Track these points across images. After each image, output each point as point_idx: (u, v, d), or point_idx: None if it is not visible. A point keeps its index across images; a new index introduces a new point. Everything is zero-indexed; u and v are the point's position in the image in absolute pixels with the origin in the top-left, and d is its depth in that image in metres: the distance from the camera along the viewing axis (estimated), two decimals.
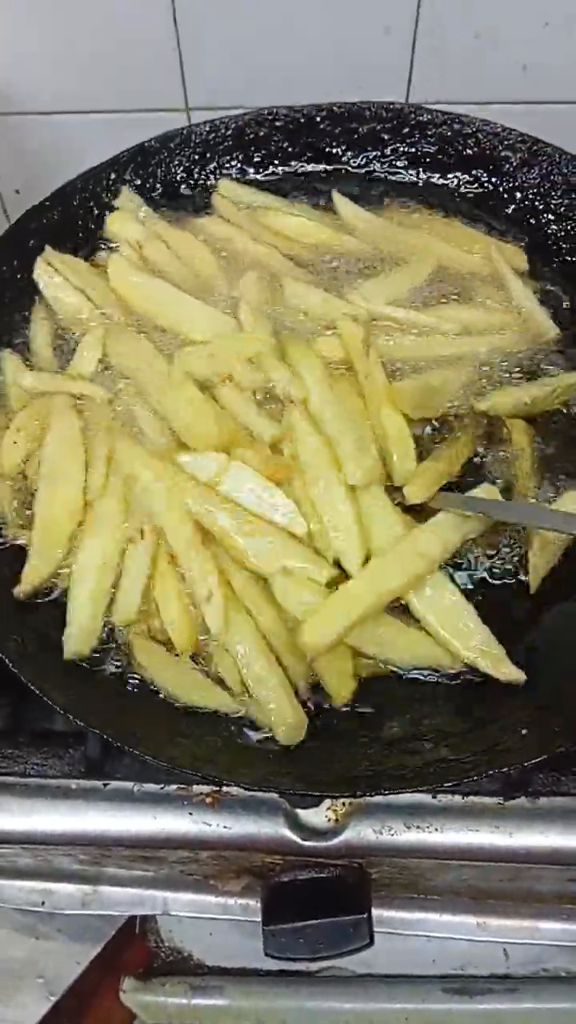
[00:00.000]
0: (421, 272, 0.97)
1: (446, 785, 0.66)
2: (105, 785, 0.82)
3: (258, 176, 1.09)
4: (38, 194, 1.02)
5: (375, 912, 0.84)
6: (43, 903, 0.95)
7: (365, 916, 0.81)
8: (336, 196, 1.04)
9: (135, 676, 0.78)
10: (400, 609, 0.79)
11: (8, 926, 1.18)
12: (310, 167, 1.10)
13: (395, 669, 0.77)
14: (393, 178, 1.09)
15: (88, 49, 1.21)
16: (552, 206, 1.02)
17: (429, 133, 1.06)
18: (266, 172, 1.10)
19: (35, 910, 0.95)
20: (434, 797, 0.81)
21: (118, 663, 0.78)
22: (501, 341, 0.92)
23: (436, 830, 0.80)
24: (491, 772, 0.67)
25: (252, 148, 1.09)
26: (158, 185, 1.07)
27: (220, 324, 0.90)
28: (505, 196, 1.05)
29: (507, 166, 1.05)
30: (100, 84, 1.26)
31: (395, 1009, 0.90)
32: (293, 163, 1.10)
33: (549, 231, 1.02)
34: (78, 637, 0.77)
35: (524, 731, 0.70)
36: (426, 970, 0.94)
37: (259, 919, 0.83)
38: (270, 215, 1.01)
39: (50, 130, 1.31)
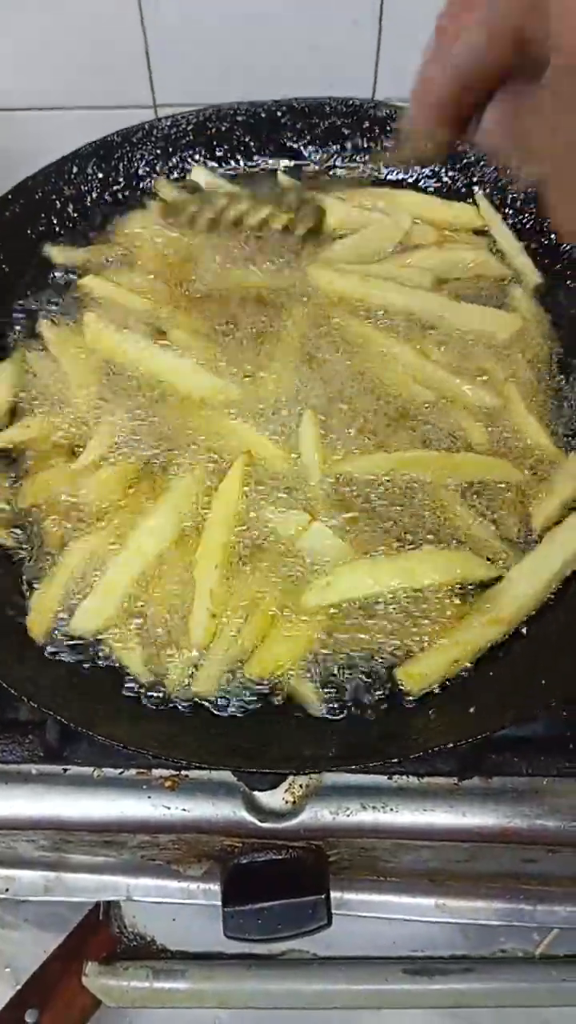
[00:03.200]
0: (397, 228, 0.98)
1: (394, 761, 0.67)
2: (65, 770, 0.83)
3: (220, 169, 1.10)
4: (3, 190, 1.02)
5: (335, 894, 0.85)
6: (7, 890, 0.96)
7: (323, 897, 0.82)
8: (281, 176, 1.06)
9: (91, 661, 0.78)
10: None
11: None
12: (272, 162, 1.11)
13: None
14: (354, 174, 1.10)
15: (56, 47, 1.22)
16: (509, 200, 1.04)
17: (388, 128, 1.08)
18: (228, 167, 1.11)
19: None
20: (390, 778, 0.82)
21: (76, 650, 0.79)
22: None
23: (392, 810, 0.81)
24: (438, 748, 0.68)
25: (214, 143, 1.10)
26: (120, 179, 1.07)
27: (202, 377, 0.88)
28: (463, 190, 1.07)
29: (465, 160, 1.06)
30: (68, 81, 1.27)
31: (356, 990, 0.91)
32: (256, 158, 1.11)
33: (508, 223, 1.04)
34: (94, 614, 0.78)
35: (472, 709, 0.72)
36: (387, 951, 0.96)
37: (220, 903, 0.84)
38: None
39: (18, 127, 1.32)
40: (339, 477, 0.83)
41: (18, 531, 0.85)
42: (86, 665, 0.77)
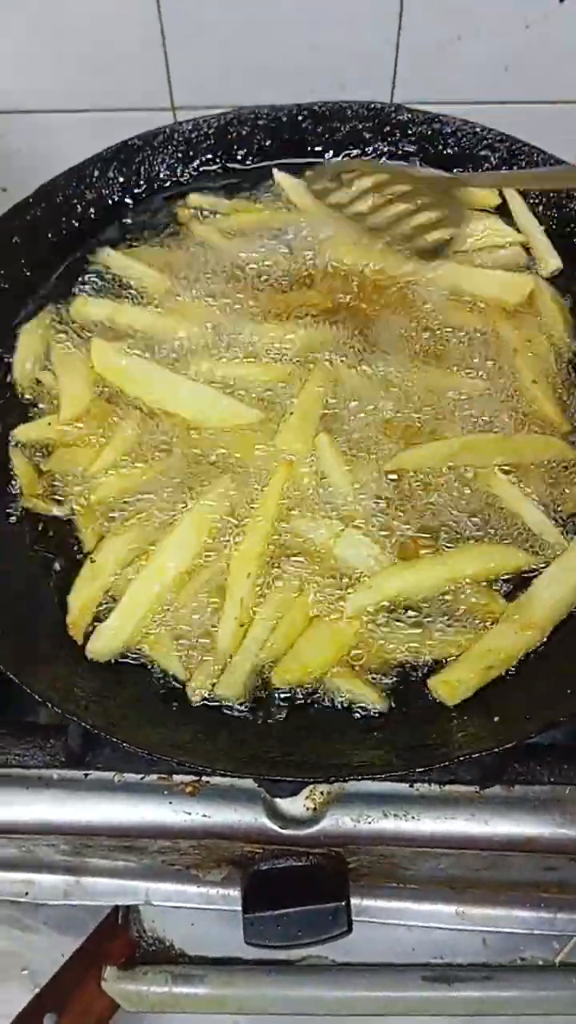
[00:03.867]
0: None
1: (418, 771, 0.67)
2: (86, 775, 0.83)
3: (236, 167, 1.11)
4: (25, 193, 1.03)
5: (355, 901, 0.85)
6: (27, 893, 0.96)
7: (343, 904, 0.82)
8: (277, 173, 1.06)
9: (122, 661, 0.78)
10: None
11: None
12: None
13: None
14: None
15: (76, 50, 1.23)
16: (529, 204, 1.04)
17: (410, 132, 1.08)
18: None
19: (19, 900, 0.96)
20: (411, 786, 0.82)
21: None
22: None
23: (413, 818, 0.81)
24: (463, 757, 0.67)
25: (235, 147, 1.10)
26: (141, 182, 1.07)
27: (204, 398, 0.88)
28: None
29: (486, 165, 1.06)
30: (88, 84, 1.27)
31: (375, 997, 0.91)
32: (275, 162, 1.11)
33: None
34: (112, 638, 0.77)
35: (496, 718, 0.71)
36: (406, 959, 0.95)
37: (239, 909, 0.84)
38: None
39: (37, 129, 1.32)
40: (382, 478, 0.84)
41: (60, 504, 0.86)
42: (110, 671, 0.78)
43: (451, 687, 0.74)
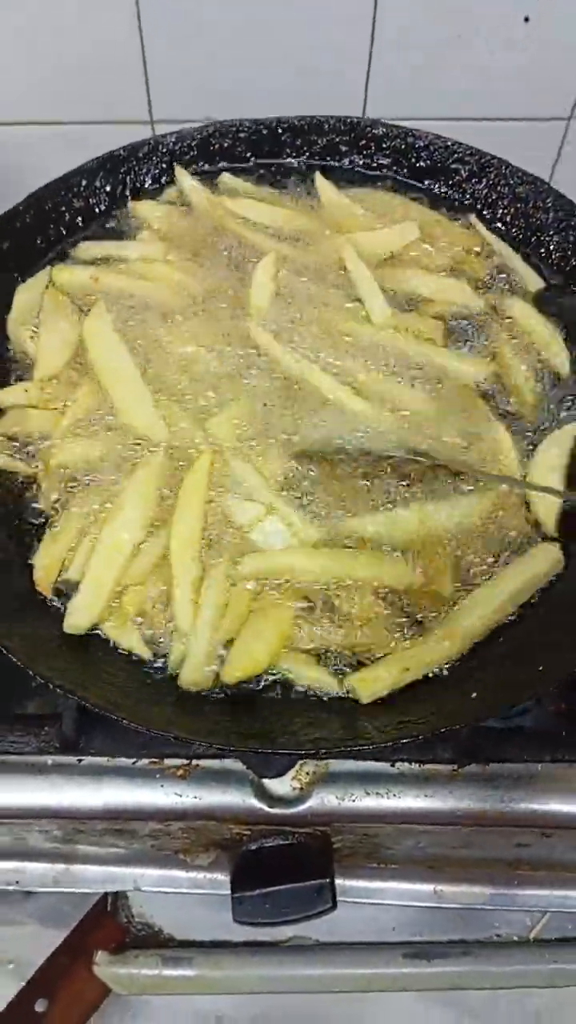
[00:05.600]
0: (407, 233, 1.03)
1: (402, 742, 0.71)
2: (79, 760, 0.86)
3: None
4: (4, 203, 1.05)
5: (338, 882, 0.88)
6: (16, 882, 0.98)
7: (328, 880, 0.86)
8: (319, 178, 1.10)
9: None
10: None
11: None
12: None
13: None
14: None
15: (55, 62, 1.26)
16: (499, 214, 1.09)
17: (384, 146, 1.13)
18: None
19: (8, 889, 0.98)
20: (392, 765, 0.86)
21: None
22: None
23: (394, 795, 0.85)
24: (443, 730, 0.71)
25: (217, 158, 1.14)
26: (127, 192, 1.11)
27: (151, 423, 0.90)
28: (456, 205, 1.12)
29: (457, 177, 1.11)
30: (65, 96, 1.30)
31: (358, 974, 0.94)
32: (255, 173, 1.15)
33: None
34: (86, 610, 0.80)
35: (474, 695, 0.75)
36: (387, 937, 0.99)
37: (227, 892, 0.87)
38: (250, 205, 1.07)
39: (13, 141, 1.35)
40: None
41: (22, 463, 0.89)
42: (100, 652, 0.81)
43: (367, 684, 0.77)
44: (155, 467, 0.87)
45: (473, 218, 1.08)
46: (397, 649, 0.80)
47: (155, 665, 0.80)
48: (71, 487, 0.87)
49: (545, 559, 0.84)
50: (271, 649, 0.79)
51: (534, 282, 1.03)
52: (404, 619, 0.81)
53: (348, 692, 0.78)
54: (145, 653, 0.80)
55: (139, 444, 0.89)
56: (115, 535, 0.83)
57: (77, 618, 0.80)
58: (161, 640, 0.81)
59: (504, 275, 1.04)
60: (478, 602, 0.82)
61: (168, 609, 0.82)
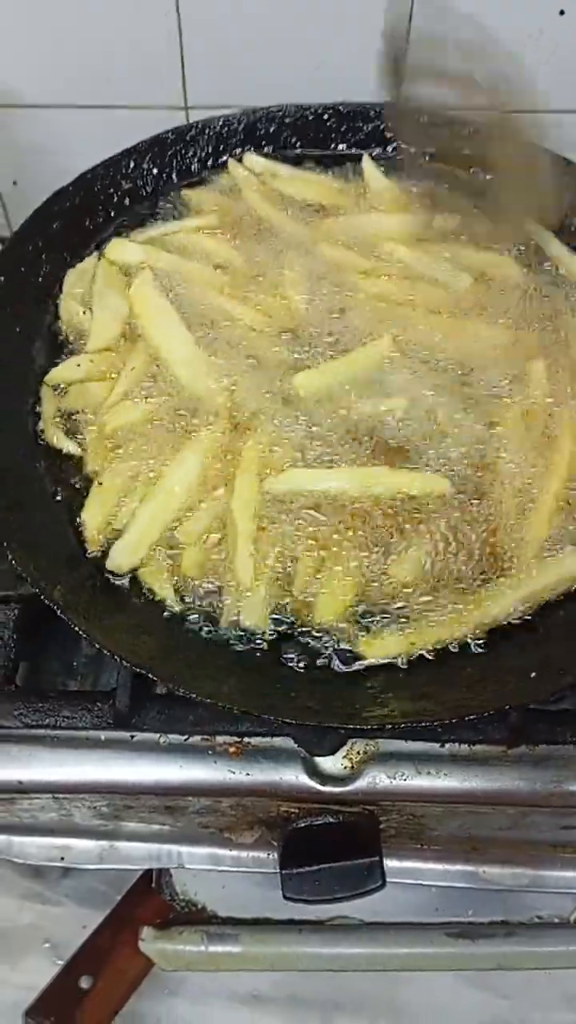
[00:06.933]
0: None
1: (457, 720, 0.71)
2: (132, 737, 0.86)
3: None
4: (35, 186, 1.07)
5: (384, 863, 0.89)
6: (62, 858, 0.99)
7: (377, 859, 0.87)
8: (366, 161, 1.10)
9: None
10: None
11: (15, 893, 1.21)
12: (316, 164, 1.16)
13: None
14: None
15: (89, 47, 1.26)
16: None
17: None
18: None
19: (53, 864, 0.99)
20: (442, 746, 0.86)
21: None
22: None
23: (445, 775, 0.86)
24: (496, 710, 0.72)
25: (263, 143, 1.15)
26: (173, 175, 1.12)
27: (198, 366, 0.93)
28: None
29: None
30: (98, 80, 1.30)
31: (401, 953, 0.95)
32: (301, 159, 1.16)
33: None
34: (129, 549, 0.83)
35: (533, 674, 0.76)
36: (429, 918, 1.00)
37: (271, 870, 0.88)
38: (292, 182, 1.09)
39: (47, 125, 1.35)
40: None
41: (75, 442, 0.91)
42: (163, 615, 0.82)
43: (371, 647, 0.80)
44: (211, 431, 0.88)
45: None
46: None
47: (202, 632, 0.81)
48: (118, 451, 0.89)
49: None
50: (351, 588, 0.82)
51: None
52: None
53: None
54: (176, 604, 0.82)
55: (191, 408, 0.90)
56: (167, 487, 0.85)
57: (120, 558, 0.83)
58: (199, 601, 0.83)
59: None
60: (508, 587, 0.82)
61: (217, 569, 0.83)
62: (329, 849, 0.87)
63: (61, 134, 1.34)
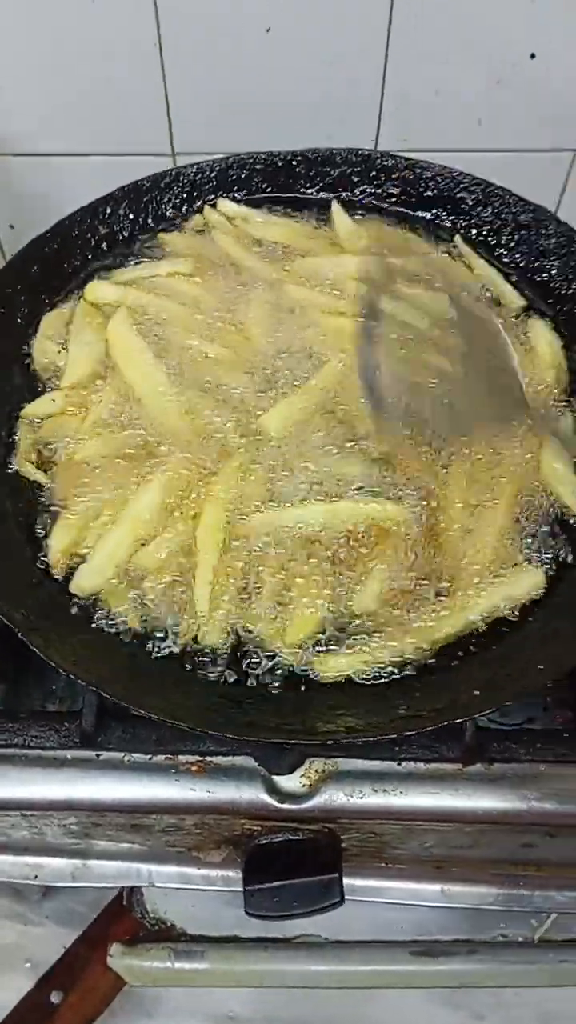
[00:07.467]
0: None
1: (407, 733, 0.74)
2: (98, 756, 0.89)
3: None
4: (32, 230, 1.12)
5: (347, 881, 0.91)
6: (35, 876, 1.02)
7: (336, 875, 0.89)
8: (335, 205, 1.16)
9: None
10: None
11: None
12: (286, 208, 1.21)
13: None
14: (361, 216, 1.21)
15: (82, 99, 1.33)
16: (503, 241, 1.15)
17: (394, 176, 1.19)
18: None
19: (27, 882, 1.01)
20: (398, 764, 0.89)
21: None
22: None
23: (401, 793, 0.88)
24: (445, 723, 0.75)
25: (235, 188, 1.20)
26: (149, 220, 1.17)
27: (167, 401, 0.97)
28: (462, 232, 1.17)
29: (464, 206, 1.17)
30: (92, 129, 1.37)
31: (365, 971, 0.97)
32: (273, 202, 1.21)
33: (501, 262, 1.14)
34: (95, 572, 0.86)
35: (476, 692, 0.79)
36: (394, 936, 1.01)
37: (239, 889, 0.90)
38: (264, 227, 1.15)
39: (43, 171, 1.42)
40: None
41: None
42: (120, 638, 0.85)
43: (326, 666, 0.82)
44: (179, 461, 0.92)
45: (458, 238, 1.14)
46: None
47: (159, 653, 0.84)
48: (85, 480, 0.92)
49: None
50: (312, 619, 0.84)
51: (515, 300, 1.09)
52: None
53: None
54: (136, 623, 0.84)
55: (159, 441, 0.94)
56: (134, 513, 0.89)
57: (84, 580, 0.86)
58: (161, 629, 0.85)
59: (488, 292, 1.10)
60: (454, 611, 0.85)
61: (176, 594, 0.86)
62: (290, 866, 0.90)
63: (57, 181, 1.41)
